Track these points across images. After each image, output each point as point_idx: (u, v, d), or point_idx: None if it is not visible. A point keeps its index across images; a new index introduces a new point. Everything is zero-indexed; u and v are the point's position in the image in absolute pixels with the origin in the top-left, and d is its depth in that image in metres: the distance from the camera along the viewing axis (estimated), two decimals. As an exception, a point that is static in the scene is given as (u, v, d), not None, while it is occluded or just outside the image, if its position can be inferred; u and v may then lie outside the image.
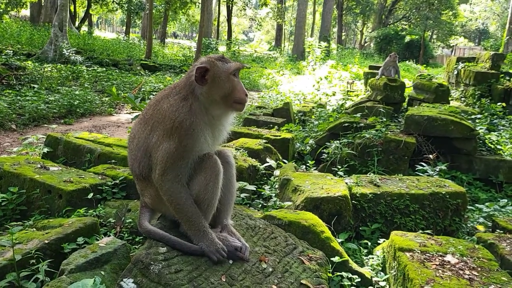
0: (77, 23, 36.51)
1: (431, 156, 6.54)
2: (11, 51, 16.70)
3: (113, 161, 5.67)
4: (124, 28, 48.52)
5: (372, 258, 4.15)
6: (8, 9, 36.09)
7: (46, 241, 3.69)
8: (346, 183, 5.22)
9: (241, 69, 2.51)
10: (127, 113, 13.19)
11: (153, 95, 15.15)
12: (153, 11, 36.42)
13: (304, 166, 7.03)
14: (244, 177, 5.79)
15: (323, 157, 7.40)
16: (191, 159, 2.32)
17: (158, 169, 2.27)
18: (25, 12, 41.05)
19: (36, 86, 13.01)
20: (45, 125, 10.42)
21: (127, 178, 5.18)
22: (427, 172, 6.21)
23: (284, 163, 6.73)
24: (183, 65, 23.12)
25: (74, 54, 19.36)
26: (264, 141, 6.89)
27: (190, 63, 24.92)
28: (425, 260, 3.55)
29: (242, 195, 4.61)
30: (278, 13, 52.10)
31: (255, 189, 4.71)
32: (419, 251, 3.69)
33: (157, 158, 2.28)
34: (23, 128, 10.13)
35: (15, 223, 4.19)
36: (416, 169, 6.43)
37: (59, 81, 14.71)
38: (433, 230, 4.98)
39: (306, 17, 44.32)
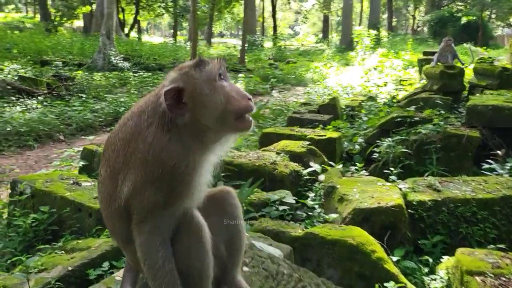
0: (126, 30, 37.52)
1: (499, 151, 5.75)
2: (61, 62, 17.19)
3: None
4: (172, 31, 49.33)
5: (435, 279, 3.57)
6: (63, 21, 37.76)
7: (70, 268, 3.46)
8: (400, 189, 4.63)
9: (225, 67, 1.80)
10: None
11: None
12: (198, 12, 36.65)
13: (353, 168, 6.44)
14: (285, 185, 5.33)
15: (374, 156, 6.77)
16: (181, 208, 1.74)
17: (136, 217, 1.73)
18: (79, 23, 42.67)
19: (84, 95, 13.23)
20: (91, 135, 10.50)
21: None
22: (496, 171, 5.44)
23: (331, 165, 6.20)
24: (227, 64, 22.92)
25: (121, 61, 19.69)
26: (307, 143, 6.39)
27: (235, 62, 24.73)
28: (500, 286, 2.94)
29: (281, 207, 4.17)
30: (324, 3, 50.83)
31: (294, 202, 4.25)
32: (492, 275, 3.09)
33: (136, 206, 1.72)
34: (70, 139, 10.25)
35: (43, 246, 4.00)
36: (482, 167, 5.67)
37: (107, 89, 14.93)
38: (506, 241, 4.29)
39: (353, 6, 42.95)
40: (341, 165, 6.32)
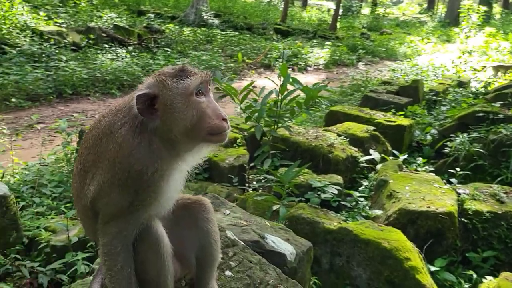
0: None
1: None
2: (153, 14, 17.79)
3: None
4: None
5: (472, 300, 3.31)
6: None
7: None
8: (459, 194, 4.28)
9: (209, 81, 1.72)
10: (251, 80, 13.15)
11: (280, 62, 14.88)
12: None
13: (419, 160, 6.05)
14: (339, 169, 5.19)
15: (445, 150, 6.29)
16: (146, 214, 1.71)
17: (101, 217, 1.74)
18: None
19: (169, 49, 13.68)
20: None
21: (211, 159, 4.99)
22: None
23: (394, 155, 5.89)
24: (316, 30, 22.28)
25: (211, 18, 19.93)
26: (372, 128, 6.09)
27: (325, 28, 23.95)
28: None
29: (323, 195, 4.06)
30: (434, -29, 46.82)
31: (336, 192, 4.11)
32: (535, 310, 2.79)
33: (101, 208, 1.72)
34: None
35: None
36: None
37: (193, 45, 15.28)
38: None
39: (466, -24, 39.06)
40: (406, 156, 5.97)
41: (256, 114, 4.44)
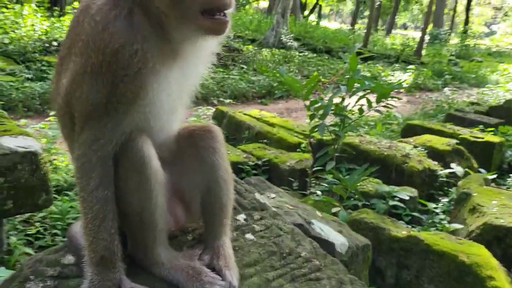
0: (306, 12, 38.09)
1: None
2: (232, 34, 18.22)
3: (265, 140, 5.26)
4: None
5: None
6: (250, 0, 40.29)
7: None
8: (561, 214, 3.56)
9: None
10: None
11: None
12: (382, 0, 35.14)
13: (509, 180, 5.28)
14: (414, 182, 4.64)
15: (544, 173, 5.45)
16: (129, 118, 1.35)
17: (77, 122, 1.40)
18: (264, 4, 45.00)
19: (245, 66, 13.80)
20: (243, 104, 10.93)
21: (271, 161, 4.70)
22: None
23: (480, 173, 5.19)
24: (399, 55, 21.42)
25: (291, 41, 20.00)
26: (456, 141, 5.43)
27: (409, 54, 23.01)
28: None
29: (391, 202, 3.56)
30: (534, 0, 43.60)
31: (407, 198, 3.59)
32: None
33: (75, 107, 1.38)
34: (223, 103, 10.77)
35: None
36: None
37: (270, 65, 15.31)
38: None
39: None
40: (495, 175, 5.23)
41: (321, 111, 4.11)
